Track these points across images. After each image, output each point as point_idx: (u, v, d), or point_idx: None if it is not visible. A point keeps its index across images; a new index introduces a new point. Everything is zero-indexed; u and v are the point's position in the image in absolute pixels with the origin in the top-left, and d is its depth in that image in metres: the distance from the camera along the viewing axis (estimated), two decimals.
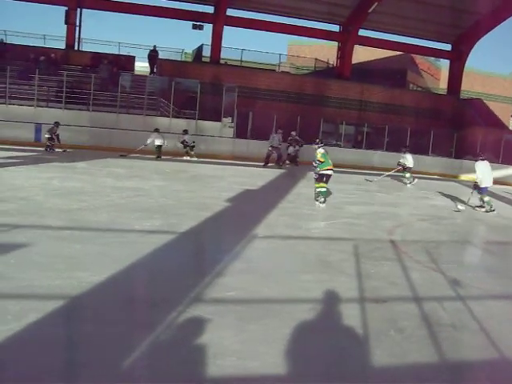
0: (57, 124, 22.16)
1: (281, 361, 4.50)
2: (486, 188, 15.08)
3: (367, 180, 20.39)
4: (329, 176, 13.61)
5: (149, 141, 22.67)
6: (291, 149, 24.85)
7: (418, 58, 44.77)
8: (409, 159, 20.82)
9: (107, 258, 7.05)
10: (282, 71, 36.79)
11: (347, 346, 5.07)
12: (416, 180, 21.12)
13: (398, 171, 21.25)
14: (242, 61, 34.97)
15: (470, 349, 5.19)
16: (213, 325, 5.07)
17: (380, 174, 21.10)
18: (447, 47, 37.40)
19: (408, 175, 20.95)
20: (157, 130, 23.12)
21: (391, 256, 8.74)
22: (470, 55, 36.71)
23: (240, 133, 27.43)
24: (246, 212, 12.49)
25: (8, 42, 29.36)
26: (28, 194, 11.47)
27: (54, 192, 12.03)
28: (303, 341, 5.03)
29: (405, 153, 21.00)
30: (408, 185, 20.82)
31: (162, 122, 26.34)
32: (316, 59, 39.61)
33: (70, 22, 30.58)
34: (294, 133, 25.19)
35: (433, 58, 46.88)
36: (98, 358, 4.31)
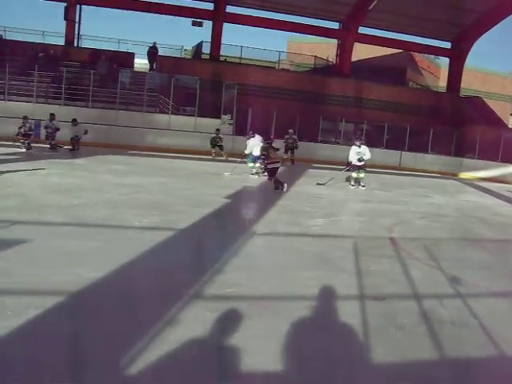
0: (53, 116, 21.92)
1: (280, 358, 4.48)
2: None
3: (319, 184, 17.29)
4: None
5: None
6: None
7: (418, 56, 44.74)
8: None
9: (106, 255, 7.03)
10: (282, 68, 36.72)
11: (346, 343, 5.05)
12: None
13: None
14: (241, 58, 34.90)
15: (470, 346, 5.17)
16: (212, 321, 5.05)
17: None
18: (447, 45, 37.38)
19: None
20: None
21: (391, 253, 8.72)
22: (469, 53, 36.69)
23: (239, 130, 27.41)
24: (245, 209, 12.50)
25: (7, 38, 29.35)
26: (27, 190, 11.46)
27: (54, 188, 12.02)
28: (302, 338, 5.02)
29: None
30: None
31: (162, 118, 26.37)
32: (315, 56, 39.49)
33: (70, 18, 30.55)
34: (291, 130, 24.89)
35: (432, 56, 46.89)
36: (97, 355, 4.29)
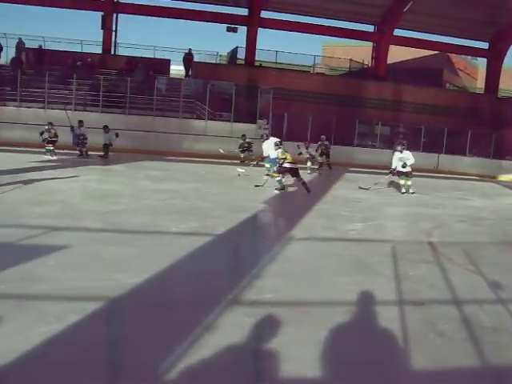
0: (81, 123, 21.80)
1: (318, 363, 4.45)
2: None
3: (361, 188, 17.13)
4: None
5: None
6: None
7: (455, 57, 44.18)
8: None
9: (144, 260, 7.09)
10: (317, 72, 36.66)
11: (385, 349, 5.00)
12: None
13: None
14: (276, 63, 34.92)
15: None
16: (250, 327, 5.05)
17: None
18: (484, 45, 36.82)
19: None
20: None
21: (429, 258, 8.61)
22: (507, 53, 36.10)
23: (275, 134, 27.38)
24: (281, 214, 12.50)
25: (46, 47, 29.87)
26: (66, 196, 11.64)
27: (92, 194, 12.20)
28: (340, 343, 4.98)
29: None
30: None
31: (198, 124, 26.51)
32: (351, 60, 39.37)
33: (106, 27, 30.99)
34: (323, 136, 24.14)
35: (470, 57, 46.25)
36: (135, 360, 4.32)
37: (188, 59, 31.43)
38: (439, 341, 5.12)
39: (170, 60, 32.05)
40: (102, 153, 21.54)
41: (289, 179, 15.79)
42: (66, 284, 5.89)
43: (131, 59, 29.59)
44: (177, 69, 33.12)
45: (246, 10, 32.80)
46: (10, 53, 29.42)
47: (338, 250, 8.75)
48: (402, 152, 16.50)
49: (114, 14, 31.49)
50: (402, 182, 16.65)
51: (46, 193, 11.96)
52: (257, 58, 33.32)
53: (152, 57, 31.70)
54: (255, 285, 6.38)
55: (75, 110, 25.01)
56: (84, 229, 8.85)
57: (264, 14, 32.84)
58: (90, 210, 10.37)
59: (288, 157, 15.24)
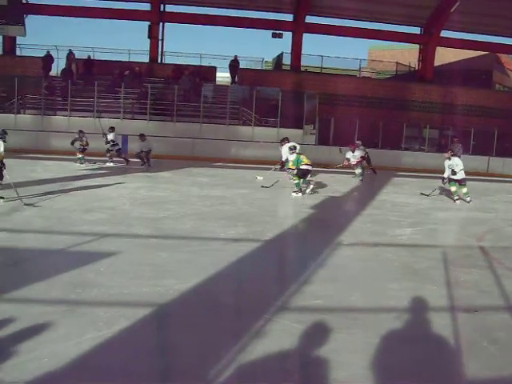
0: (111, 129, 21.21)
1: (368, 372, 4.40)
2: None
3: (423, 194, 16.63)
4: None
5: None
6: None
7: (504, 57, 43.23)
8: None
9: (193, 266, 7.14)
10: (363, 76, 36.39)
11: (438, 356, 4.90)
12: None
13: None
14: (322, 67, 34.76)
15: None
16: (299, 333, 5.02)
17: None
18: None
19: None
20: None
21: (481, 263, 8.43)
22: None
23: (322, 139, 27.30)
24: (330, 219, 12.42)
25: (95, 58, 30.45)
26: (115, 203, 11.82)
27: (141, 201, 12.35)
28: (391, 351, 4.91)
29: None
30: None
31: (245, 130, 26.59)
32: (397, 63, 38.91)
33: (153, 36, 31.37)
34: (358, 142, 23.28)
35: None
36: (184, 366, 4.34)
37: (234, 66, 31.54)
38: (493, 349, 5.00)
39: (216, 67, 32.25)
40: (135, 159, 21.22)
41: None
42: (115, 290, 5.98)
43: (178, 67, 29.85)
44: (223, 76, 33.35)
45: (291, 15, 32.78)
46: (60, 64, 30.07)
47: (387, 256, 8.65)
48: (449, 159, 15.98)
49: (161, 23, 31.86)
50: (452, 189, 16.08)
51: (96, 200, 12.16)
52: (302, 63, 33.21)
53: (198, 64, 31.97)
54: (304, 291, 6.35)
55: (124, 118, 25.40)
56: (133, 235, 8.97)
57: (309, 19, 32.71)
58: (139, 217, 10.50)
59: (304, 159, 15.11)
